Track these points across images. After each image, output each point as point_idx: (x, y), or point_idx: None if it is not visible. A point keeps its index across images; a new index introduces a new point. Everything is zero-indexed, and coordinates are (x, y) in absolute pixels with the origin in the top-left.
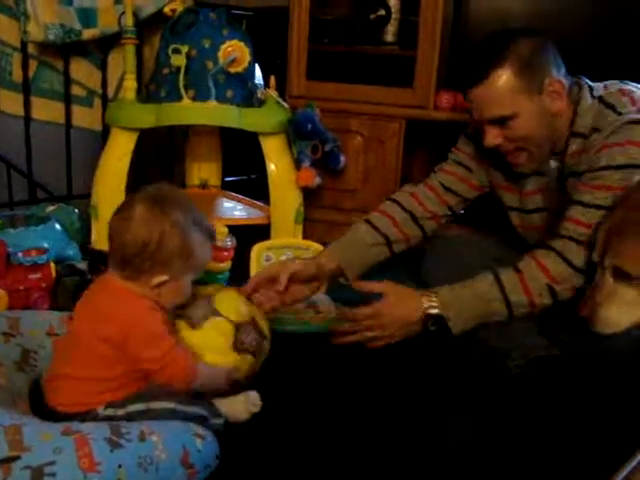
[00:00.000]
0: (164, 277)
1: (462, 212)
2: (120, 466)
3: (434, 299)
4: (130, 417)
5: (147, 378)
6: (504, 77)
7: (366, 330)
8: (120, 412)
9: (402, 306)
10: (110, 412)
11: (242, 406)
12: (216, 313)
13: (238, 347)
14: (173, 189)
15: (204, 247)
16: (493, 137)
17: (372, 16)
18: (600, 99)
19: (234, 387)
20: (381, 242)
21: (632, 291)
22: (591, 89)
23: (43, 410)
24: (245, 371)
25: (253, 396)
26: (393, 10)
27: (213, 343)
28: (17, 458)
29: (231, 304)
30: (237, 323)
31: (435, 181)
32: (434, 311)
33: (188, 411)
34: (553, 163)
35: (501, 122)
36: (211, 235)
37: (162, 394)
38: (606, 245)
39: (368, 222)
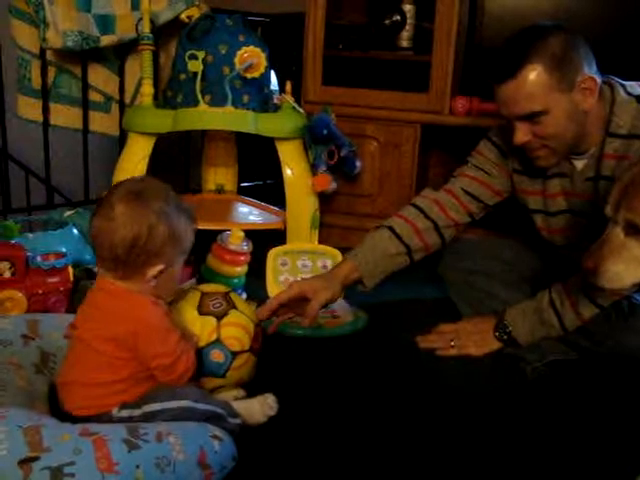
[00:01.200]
0: (160, 266)
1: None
2: (138, 466)
3: (503, 315)
4: (147, 417)
5: (155, 377)
6: (536, 72)
7: (449, 340)
8: (136, 413)
9: (477, 322)
10: (126, 413)
11: (259, 408)
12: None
13: (202, 310)
14: (147, 179)
15: (189, 229)
16: (523, 134)
17: (387, 22)
18: (639, 99)
19: None
20: (403, 252)
21: None
22: (624, 87)
23: (61, 412)
24: (208, 335)
25: (270, 399)
26: (408, 15)
27: (177, 309)
28: (37, 459)
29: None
30: (205, 292)
31: (456, 186)
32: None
33: (204, 409)
34: (579, 164)
35: (531, 118)
36: (192, 216)
37: (177, 394)
38: (620, 199)
39: (391, 229)
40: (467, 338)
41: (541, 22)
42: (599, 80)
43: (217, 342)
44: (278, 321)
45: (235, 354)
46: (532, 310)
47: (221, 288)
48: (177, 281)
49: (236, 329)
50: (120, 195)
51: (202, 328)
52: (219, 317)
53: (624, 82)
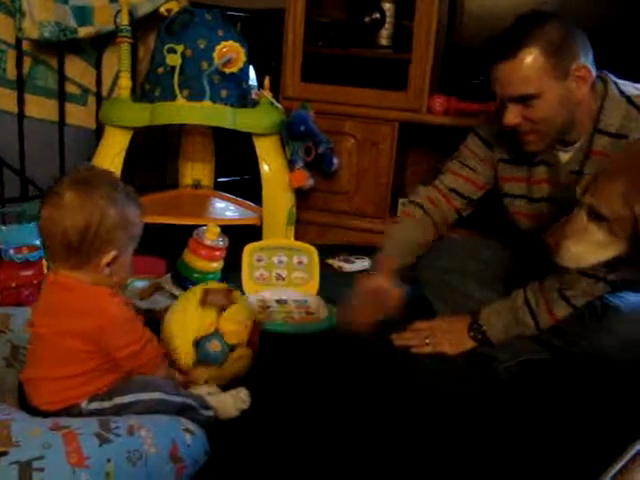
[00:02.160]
0: (112, 253)
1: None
2: (109, 460)
3: (478, 315)
4: (118, 409)
5: (121, 367)
6: (533, 56)
7: (424, 337)
8: (106, 404)
9: (452, 321)
10: (96, 405)
11: (231, 402)
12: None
13: (203, 303)
14: (92, 167)
15: (138, 214)
16: (513, 116)
17: (367, 19)
18: (629, 100)
19: None
20: (419, 242)
21: (601, 233)
22: (617, 85)
23: (29, 406)
24: (207, 326)
25: (242, 393)
26: (388, 14)
27: (180, 302)
28: (5, 453)
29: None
30: (209, 288)
31: (443, 184)
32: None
33: (177, 401)
34: (564, 156)
35: (523, 100)
36: (140, 203)
37: (149, 385)
38: (589, 185)
39: (406, 223)
40: (442, 336)
41: (542, 10)
42: (593, 71)
43: (216, 333)
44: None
45: (233, 347)
46: (507, 309)
47: (224, 286)
48: (129, 269)
49: (235, 323)
50: (67, 184)
51: (202, 319)
52: (219, 310)
53: (618, 80)
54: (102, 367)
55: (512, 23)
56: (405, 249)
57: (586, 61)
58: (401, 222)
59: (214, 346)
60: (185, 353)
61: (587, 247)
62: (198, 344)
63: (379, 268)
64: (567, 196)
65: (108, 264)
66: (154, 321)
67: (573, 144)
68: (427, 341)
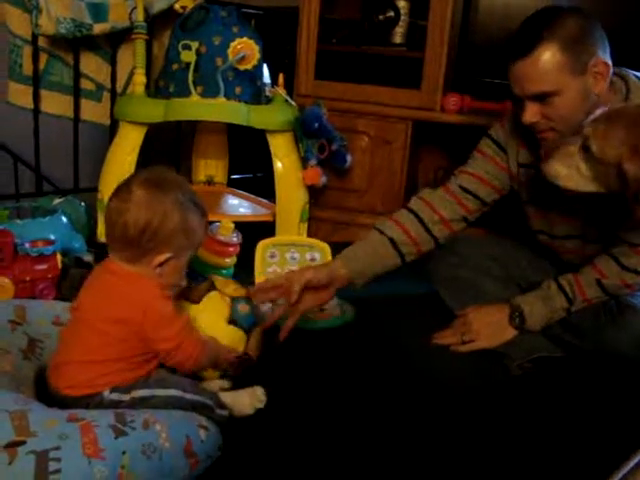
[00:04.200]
0: (167, 254)
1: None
2: (124, 453)
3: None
4: (135, 403)
5: (155, 361)
6: (550, 52)
7: (461, 334)
8: (125, 397)
9: (488, 313)
10: (115, 397)
11: (247, 401)
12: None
13: (232, 320)
14: (167, 171)
15: (201, 223)
16: (532, 114)
17: (381, 17)
18: None
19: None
20: (392, 253)
21: (584, 165)
22: (637, 77)
23: (48, 398)
24: (237, 345)
25: (258, 391)
26: (402, 12)
27: (209, 317)
28: (23, 443)
29: (228, 283)
30: (232, 297)
31: (454, 184)
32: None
33: (193, 399)
34: None
35: (542, 98)
36: (205, 213)
37: (169, 382)
38: (596, 122)
39: (380, 231)
40: (479, 331)
41: (558, 4)
42: (611, 66)
43: (243, 298)
44: (289, 324)
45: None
46: (541, 298)
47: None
48: (182, 274)
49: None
50: (140, 181)
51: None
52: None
53: (636, 73)
54: (134, 359)
55: (527, 19)
56: (361, 257)
57: (604, 56)
58: (369, 233)
59: (243, 308)
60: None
61: (569, 172)
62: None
63: (322, 263)
64: (591, 195)
65: (160, 264)
66: None
67: None
68: (464, 338)
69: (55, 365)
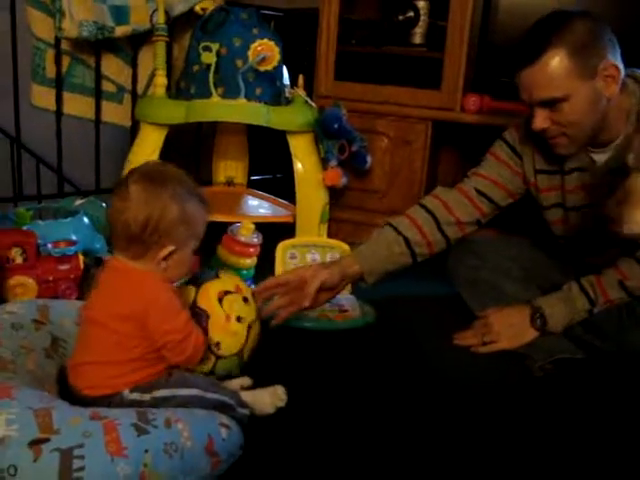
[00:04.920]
0: (171, 247)
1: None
2: (146, 451)
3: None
4: (156, 402)
5: (165, 359)
6: (558, 58)
7: (482, 336)
8: (146, 397)
9: (509, 314)
10: (136, 396)
11: (268, 399)
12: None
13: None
14: (162, 164)
15: (201, 212)
16: (542, 120)
17: (400, 17)
18: None
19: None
20: (405, 252)
21: None
22: None
23: (70, 397)
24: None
25: (280, 390)
26: (422, 12)
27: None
28: (47, 440)
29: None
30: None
31: (469, 186)
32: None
33: (214, 398)
34: (600, 156)
35: (551, 104)
36: (205, 202)
37: (189, 382)
38: None
39: (395, 229)
40: (499, 332)
41: (566, 8)
42: (622, 69)
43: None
44: (283, 314)
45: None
46: (563, 300)
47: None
48: (187, 266)
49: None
50: (136, 177)
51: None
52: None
53: None
54: (147, 356)
55: (535, 24)
56: (373, 255)
57: (614, 59)
58: (382, 229)
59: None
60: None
61: None
62: None
63: (333, 262)
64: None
65: (165, 258)
66: None
67: (607, 144)
68: (485, 339)
69: (73, 366)
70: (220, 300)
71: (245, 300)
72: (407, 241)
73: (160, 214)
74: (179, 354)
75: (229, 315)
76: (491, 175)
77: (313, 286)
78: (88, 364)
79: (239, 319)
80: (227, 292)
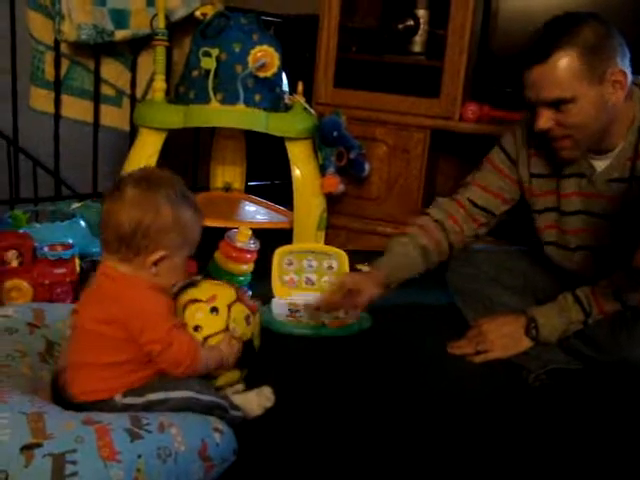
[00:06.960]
0: (161, 253)
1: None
2: (140, 456)
3: (529, 312)
4: (149, 405)
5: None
6: (567, 59)
7: (476, 345)
8: (139, 400)
9: (503, 323)
10: (129, 400)
11: (255, 401)
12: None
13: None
14: (158, 169)
15: (195, 219)
16: (546, 120)
17: (400, 26)
18: None
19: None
20: (422, 261)
21: None
22: None
23: (63, 401)
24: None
25: (266, 390)
26: (421, 21)
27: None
28: (39, 445)
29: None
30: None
31: (464, 197)
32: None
33: (207, 400)
34: (600, 164)
35: (557, 105)
36: (198, 209)
37: (181, 384)
38: None
39: (412, 239)
40: (494, 341)
41: (578, 11)
42: (630, 75)
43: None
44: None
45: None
46: (557, 310)
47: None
48: (180, 273)
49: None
50: (130, 180)
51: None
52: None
53: None
54: (136, 359)
55: (546, 25)
56: (401, 269)
57: (623, 64)
58: (408, 237)
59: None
60: None
61: None
62: None
63: (373, 274)
64: (601, 206)
65: (155, 263)
66: None
67: (608, 151)
68: (478, 348)
69: (62, 369)
70: (185, 308)
71: (213, 310)
72: (424, 250)
73: (152, 218)
74: (162, 362)
75: (185, 324)
76: (486, 184)
77: (366, 300)
78: (78, 367)
79: (196, 328)
80: (195, 300)
